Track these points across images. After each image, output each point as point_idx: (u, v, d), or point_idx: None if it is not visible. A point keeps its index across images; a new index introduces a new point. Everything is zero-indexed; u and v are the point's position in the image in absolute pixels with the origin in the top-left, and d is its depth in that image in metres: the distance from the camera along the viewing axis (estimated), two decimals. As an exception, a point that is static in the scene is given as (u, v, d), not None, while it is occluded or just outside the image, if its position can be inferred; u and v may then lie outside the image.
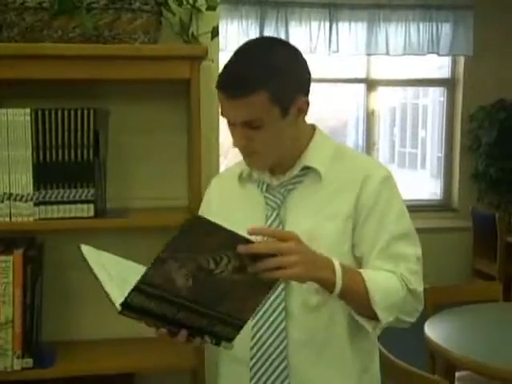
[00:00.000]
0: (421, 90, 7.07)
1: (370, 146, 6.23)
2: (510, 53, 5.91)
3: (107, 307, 2.00)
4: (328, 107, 6.36)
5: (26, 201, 1.81)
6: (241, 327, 1.31)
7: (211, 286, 1.23)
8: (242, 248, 1.19)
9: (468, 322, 2.91)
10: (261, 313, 1.44)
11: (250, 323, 1.41)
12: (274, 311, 1.44)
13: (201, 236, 1.20)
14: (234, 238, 1.21)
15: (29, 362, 1.84)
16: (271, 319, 1.44)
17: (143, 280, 1.18)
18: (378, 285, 1.37)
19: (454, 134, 6.24)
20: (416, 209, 6.21)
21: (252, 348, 1.45)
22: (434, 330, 2.70)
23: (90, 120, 1.82)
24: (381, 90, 6.24)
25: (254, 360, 1.45)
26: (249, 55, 1.41)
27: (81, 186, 1.84)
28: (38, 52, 1.78)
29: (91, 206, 1.85)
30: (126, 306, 1.19)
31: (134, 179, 2.10)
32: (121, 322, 1.79)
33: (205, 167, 1.93)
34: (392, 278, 1.40)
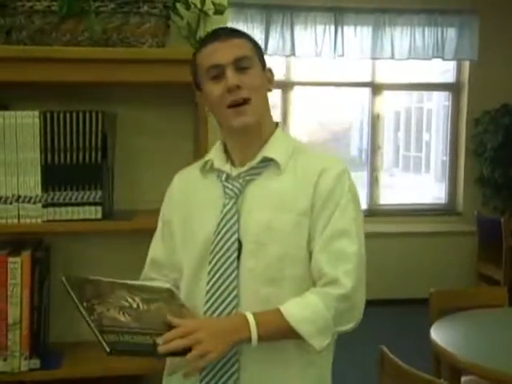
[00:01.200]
0: (425, 94, 7.08)
1: (374, 149, 6.24)
2: (515, 57, 5.91)
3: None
4: (333, 111, 6.37)
5: (35, 202, 1.82)
6: None
7: (150, 316, 1.38)
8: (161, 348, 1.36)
9: (474, 327, 2.90)
10: (212, 300, 1.48)
11: (202, 310, 1.49)
12: (225, 299, 1.48)
13: (88, 286, 1.38)
14: (110, 284, 1.40)
15: (36, 363, 1.84)
16: (222, 306, 1.48)
17: (95, 324, 1.31)
18: (299, 317, 1.42)
19: (459, 138, 6.24)
20: (420, 213, 6.23)
21: None
22: (439, 335, 2.69)
23: (98, 122, 1.83)
24: (386, 94, 6.25)
25: None
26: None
27: (88, 188, 1.85)
28: (46, 55, 1.79)
29: (99, 208, 1.85)
30: (108, 343, 1.29)
31: (140, 182, 2.11)
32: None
33: (212, 170, 1.94)
34: (313, 303, 1.44)
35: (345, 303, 1.44)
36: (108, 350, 1.27)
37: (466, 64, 6.11)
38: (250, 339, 1.40)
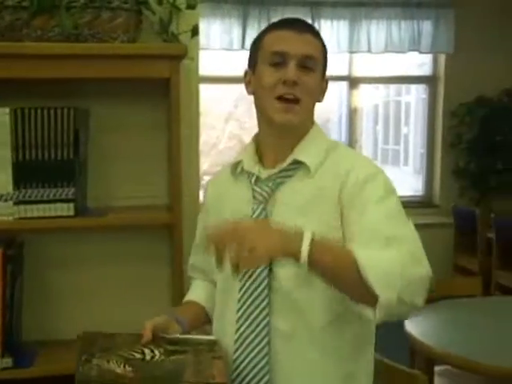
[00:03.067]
0: (403, 87, 7.11)
1: (352, 143, 6.25)
2: (490, 50, 5.95)
3: (87, 306, 2.01)
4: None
5: (6, 200, 1.81)
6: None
7: (158, 367, 1.34)
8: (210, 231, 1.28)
9: (448, 317, 2.94)
10: (245, 307, 1.45)
11: (235, 316, 1.46)
12: (257, 307, 1.45)
13: (101, 340, 1.40)
14: (133, 337, 1.42)
15: (8, 361, 1.83)
16: (256, 312, 1.45)
17: (78, 378, 1.26)
18: (369, 255, 1.27)
19: (436, 131, 6.28)
20: (398, 205, 6.26)
21: (236, 341, 1.47)
22: (414, 326, 2.72)
23: (69, 119, 1.82)
24: (363, 87, 6.27)
25: (237, 353, 1.46)
26: None
27: (61, 185, 1.84)
28: (17, 51, 1.78)
29: (71, 204, 1.85)
30: None
31: (114, 178, 2.10)
32: (100, 321, 1.80)
33: (185, 166, 1.94)
34: (388, 250, 1.29)
35: (416, 269, 1.29)
36: None
37: (442, 57, 6.14)
38: (299, 254, 1.24)
